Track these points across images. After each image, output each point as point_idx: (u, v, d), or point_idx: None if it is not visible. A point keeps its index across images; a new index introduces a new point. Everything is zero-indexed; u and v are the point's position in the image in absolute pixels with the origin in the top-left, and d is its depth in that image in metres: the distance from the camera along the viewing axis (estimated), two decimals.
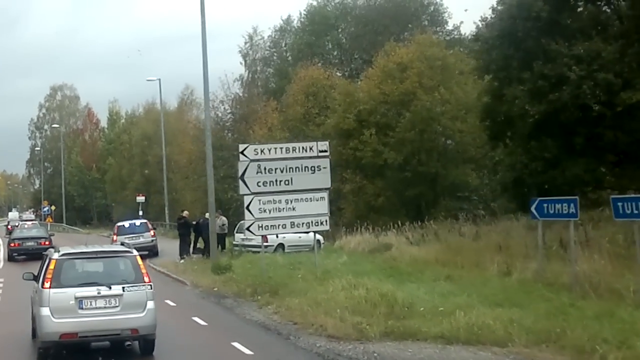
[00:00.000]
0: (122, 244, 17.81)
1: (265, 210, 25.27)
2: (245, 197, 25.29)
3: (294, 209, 25.56)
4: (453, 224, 35.14)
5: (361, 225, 39.53)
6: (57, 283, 13.50)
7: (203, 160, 54.59)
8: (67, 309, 13.36)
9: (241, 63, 62.36)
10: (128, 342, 14.57)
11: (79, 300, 13.43)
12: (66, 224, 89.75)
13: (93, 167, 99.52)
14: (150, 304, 14.04)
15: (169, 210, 60.78)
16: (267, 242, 34.85)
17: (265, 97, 56.04)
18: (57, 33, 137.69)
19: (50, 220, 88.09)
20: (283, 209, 25.47)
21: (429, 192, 45.14)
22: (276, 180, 25.34)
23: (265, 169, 25.21)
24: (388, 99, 45.69)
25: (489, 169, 46.15)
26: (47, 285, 13.51)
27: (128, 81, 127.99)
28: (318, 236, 37.65)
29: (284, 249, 35.64)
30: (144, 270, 14.30)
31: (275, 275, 24.77)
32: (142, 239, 37.61)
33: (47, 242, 38.77)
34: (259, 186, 25.17)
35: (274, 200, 25.36)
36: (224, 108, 55.81)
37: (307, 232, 27.73)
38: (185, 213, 36.95)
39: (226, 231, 36.98)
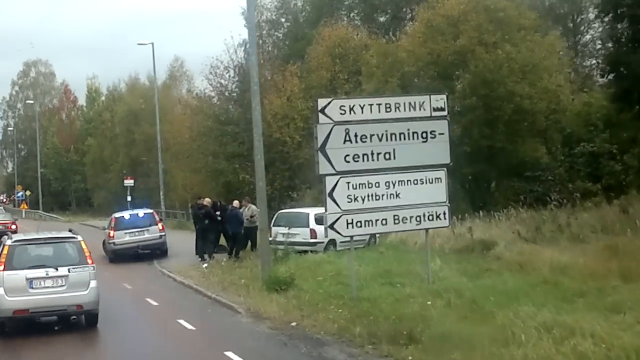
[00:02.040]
0: (70, 230, 16.95)
1: (356, 199, 16.43)
2: (326, 178, 16.31)
3: (397, 195, 16.74)
4: (553, 210, 26.56)
5: None
6: (10, 266, 14.92)
7: (207, 135, 45.60)
8: (19, 289, 14.81)
9: (245, 26, 52.50)
10: (74, 317, 15.73)
11: (30, 281, 14.86)
12: (42, 210, 79.85)
13: (71, 148, 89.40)
14: (93, 283, 15.35)
15: (163, 196, 51.14)
16: (316, 238, 26.16)
17: (278, 62, 46.63)
18: (34, 18, 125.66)
19: (25, 206, 78.37)
20: (382, 195, 16.65)
21: (491, 170, 36.23)
22: (372, 154, 16.54)
23: (356, 136, 16.39)
24: (438, 59, 36.66)
25: (561, 143, 37.34)
26: (1, 268, 14.85)
27: (105, 65, 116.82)
28: None
29: (335, 245, 26.61)
30: (87, 254, 15.50)
31: (374, 296, 15.89)
32: (147, 235, 28.38)
33: (14, 225, 40.05)
34: (348, 162, 16.34)
35: (369, 183, 16.51)
36: (229, 75, 46.55)
37: (418, 230, 18.09)
38: (207, 201, 27.60)
39: (256, 223, 27.86)
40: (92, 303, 15.29)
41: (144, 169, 67.63)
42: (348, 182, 16.26)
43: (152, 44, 50.00)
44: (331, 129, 16.15)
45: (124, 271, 26.10)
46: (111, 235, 27.84)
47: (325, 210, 16.44)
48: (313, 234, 25.84)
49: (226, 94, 46.73)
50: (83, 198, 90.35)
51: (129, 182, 57.54)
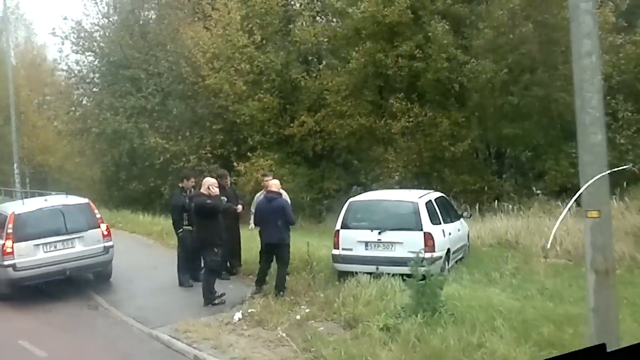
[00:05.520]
0: None
1: None
2: None
3: None
4: None
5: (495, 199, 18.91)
6: None
7: (93, 84, 30.63)
8: None
9: None
10: None
11: None
12: None
13: None
14: None
15: (18, 169, 35.00)
16: (434, 250, 13.17)
17: None
18: None
19: None
20: None
21: (540, 132, 24.54)
22: None
23: None
24: None
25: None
26: None
27: None
28: (465, 225, 16.42)
29: (449, 259, 13.71)
30: None
31: None
32: (80, 247, 13.60)
33: None
34: None
35: None
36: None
37: None
38: (209, 183, 12.94)
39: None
40: None
41: None
42: None
43: None
44: None
45: (53, 334, 11.80)
46: (7, 249, 13.22)
47: None
48: (429, 242, 12.80)
49: (114, 18, 31.61)
50: None
51: None
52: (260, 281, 12.97)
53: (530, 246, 16.18)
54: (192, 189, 13.90)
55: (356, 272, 12.55)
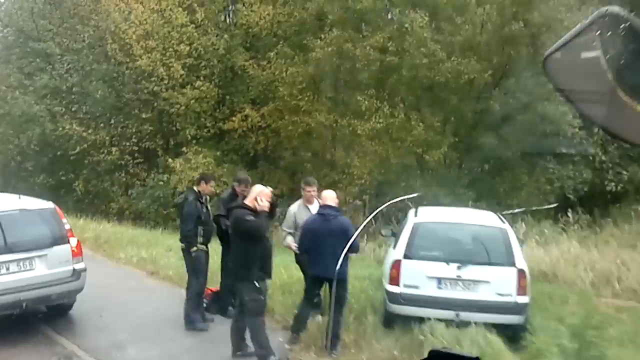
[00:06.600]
0: None
1: None
2: None
3: None
4: None
5: None
6: None
7: None
8: None
9: None
10: None
11: None
12: None
13: None
14: None
15: None
16: (525, 292, 9.94)
17: None
18: None
19: None
20: None
21: (515, 142, 21.98)
22: None
23: None
24: None
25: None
26: None
27: None
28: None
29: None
30: None
31: None
32: (41, 269, 9.55)
33: None
34: None
35: None
36: None
37: None
38: (261, 193, 8.72)
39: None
40: None
41: None
42: None
43: None
44: None
45: None
46: None
47: None
48: (522, 282, 9.64)
49: None
50: None
51: None
52: (299, 327, 9.42)
53: (574, 281, 13.35)
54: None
55: (429, 318, 9.29)
